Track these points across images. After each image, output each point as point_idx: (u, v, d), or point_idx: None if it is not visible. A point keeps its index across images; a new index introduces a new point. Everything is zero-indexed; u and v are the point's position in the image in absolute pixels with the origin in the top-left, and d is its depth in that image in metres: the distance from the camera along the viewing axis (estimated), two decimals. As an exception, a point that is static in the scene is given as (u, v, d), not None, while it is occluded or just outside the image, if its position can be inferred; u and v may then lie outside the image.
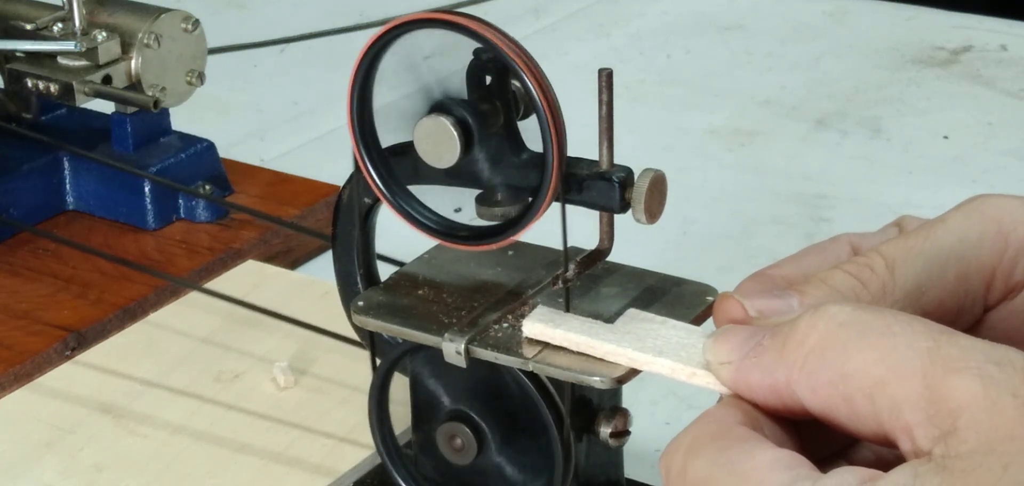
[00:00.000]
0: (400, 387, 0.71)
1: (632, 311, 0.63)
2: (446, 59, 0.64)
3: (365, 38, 0.65)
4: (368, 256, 0.73)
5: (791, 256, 0.59)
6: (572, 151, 0.63)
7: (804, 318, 0.52)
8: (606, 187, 0.64)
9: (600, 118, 0.63)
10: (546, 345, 0.64)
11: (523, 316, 0.66)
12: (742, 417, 0.52)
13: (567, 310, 0.65)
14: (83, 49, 1.03)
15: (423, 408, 0.70)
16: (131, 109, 1.07)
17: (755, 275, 0.58)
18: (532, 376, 0.66)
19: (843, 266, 0.56)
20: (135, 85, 1.05)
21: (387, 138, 0.67)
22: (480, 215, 0.66)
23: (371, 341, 0.71)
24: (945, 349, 0.49)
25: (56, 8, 1.07)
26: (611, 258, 0.67)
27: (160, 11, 1.05)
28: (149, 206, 1.06)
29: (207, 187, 1.07)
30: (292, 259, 1.06)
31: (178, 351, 0.92)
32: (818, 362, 0.51)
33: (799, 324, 0.52)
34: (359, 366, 0.86)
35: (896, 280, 0.55)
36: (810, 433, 0.53)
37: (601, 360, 0.62)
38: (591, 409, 0.68)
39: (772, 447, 0.51)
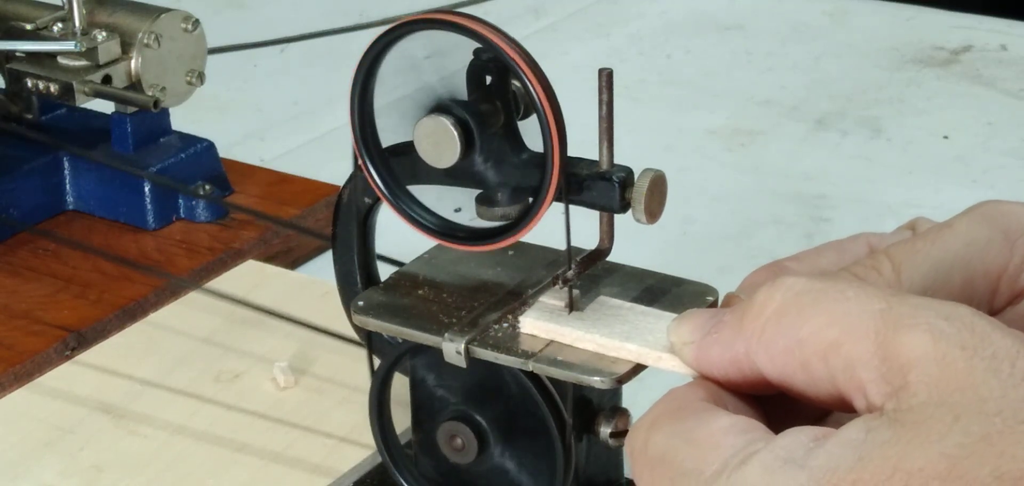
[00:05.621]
0: (400, 387, 0.71)
1: (602, 298, 0.64)
2: (446, 59, 0.64)
3: (365, 38, 0.65)
4: (368, 256, 0.73)
5: (809, 250, 0.60)
6: (572, 151, 0.63)
7: (761, 290, 0.53)
8: (606, 187, 0.64)
9: (600, 118, 0.63)
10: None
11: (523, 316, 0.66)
12: (704, 394, 0.54)
13: (570, 310, 0.65)
14: (83, 49, 1.03)
15: (423, 408, 0.70)
16: (131, 109, 1.07)
17: (769, 266, 0.59)
18: (532, 376, 0.65)
19: (850, 268, 0.56)
20: (135, 85, 1.05)
21: (387, 138, 0.67)
22: (480, 215, 0.66)
23: (368, 341, 0.71)
24: (897, 308, 0.50)
25: (56, 8, 1.07)
26: (611, 258, 0.67)
27: (160, 11, 1.05)
28: (149, 206, 1.06)
29: (207, 187, 1.07)
30: (292, 259, 1.06)
31: (178, 351, 0.92)
32: (775, 330, 0.52)
33: (756, 297, 0.53)
34: (359, 366, 0.85)
35: (903, 283, 0.56)
36: (776, 411, 0.54)
37: (570, 346, 0.63)
38: (591, 409, 0.68)
39: (727, 414, 0.52)
